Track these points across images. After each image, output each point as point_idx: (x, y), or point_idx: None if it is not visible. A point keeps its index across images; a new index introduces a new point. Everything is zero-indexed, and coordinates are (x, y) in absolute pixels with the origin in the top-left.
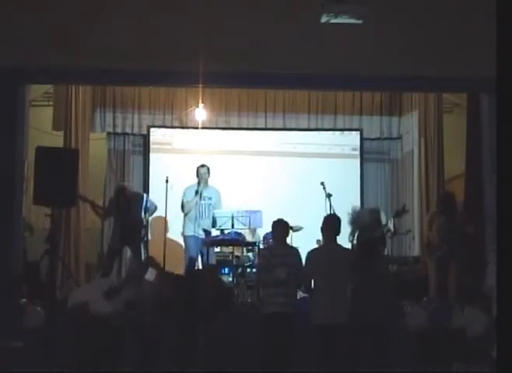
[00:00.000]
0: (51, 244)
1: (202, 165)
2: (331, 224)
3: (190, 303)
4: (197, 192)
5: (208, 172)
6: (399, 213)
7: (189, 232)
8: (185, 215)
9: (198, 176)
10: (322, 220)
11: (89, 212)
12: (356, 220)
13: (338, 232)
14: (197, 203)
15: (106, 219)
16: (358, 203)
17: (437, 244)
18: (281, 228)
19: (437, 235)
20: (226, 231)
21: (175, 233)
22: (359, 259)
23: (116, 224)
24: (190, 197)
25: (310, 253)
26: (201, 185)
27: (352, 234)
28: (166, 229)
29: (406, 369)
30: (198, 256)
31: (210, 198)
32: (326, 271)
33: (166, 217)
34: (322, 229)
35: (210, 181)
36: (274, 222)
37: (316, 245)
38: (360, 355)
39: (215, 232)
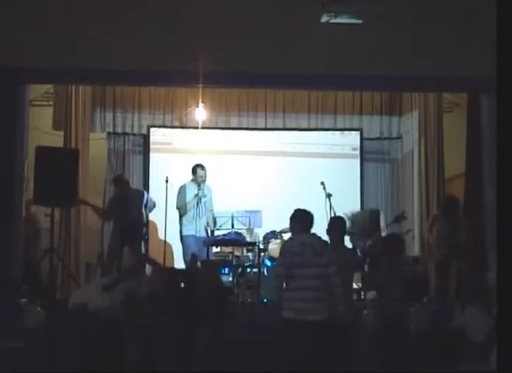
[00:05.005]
0: (51, 244)
1: (202, 167)
2: (337, 225)
3: (188, 299)
4: (196, 195)
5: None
6: (398, 219)
7: (188, 232)
8: (183, 215)
9: (195, 175)
10: (328, 222)
11: (89, 212)
12: (355, 224)
13: (344, 233)
14: (197, 203)
15: (109, 220)
16: (358, 203)
17: (438, 246)
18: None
19: (439, 237)
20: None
21: (173, 234)
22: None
23: (116, 223)
24: (190, 198)
25: None
26: (201, 186)
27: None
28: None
29: (407, 369)
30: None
31: (205, 196)
32: None
33: (166, 216)
34: (328, 231)
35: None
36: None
37: None
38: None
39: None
